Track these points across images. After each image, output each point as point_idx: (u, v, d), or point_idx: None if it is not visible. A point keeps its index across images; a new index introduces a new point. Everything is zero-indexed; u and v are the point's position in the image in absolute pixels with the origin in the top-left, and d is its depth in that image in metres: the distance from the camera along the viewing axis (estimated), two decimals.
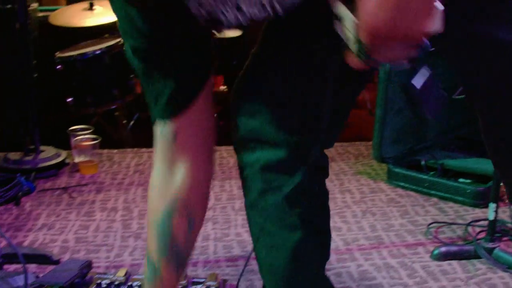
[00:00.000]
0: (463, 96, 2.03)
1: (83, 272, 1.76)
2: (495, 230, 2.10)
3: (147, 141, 3.48)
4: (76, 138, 3.01)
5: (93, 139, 3.04)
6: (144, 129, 3.76)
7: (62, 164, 3.02)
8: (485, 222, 2.17)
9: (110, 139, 3.39)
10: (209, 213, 2.52)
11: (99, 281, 1.76)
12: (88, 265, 1.82)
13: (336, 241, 2.26)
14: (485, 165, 2.79)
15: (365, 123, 3.72)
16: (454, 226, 2.39)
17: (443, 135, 3.17)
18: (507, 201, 2.39)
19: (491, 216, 2.08)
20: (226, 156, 3.14)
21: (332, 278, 1.99)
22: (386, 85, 2.75)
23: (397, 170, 2.79)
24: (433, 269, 2.06)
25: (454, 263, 2.09)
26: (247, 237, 2.30)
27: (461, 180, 2.80)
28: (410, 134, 2.96)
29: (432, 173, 2.82)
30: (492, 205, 2.06)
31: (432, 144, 3.09)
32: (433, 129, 3.10)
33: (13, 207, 2.56)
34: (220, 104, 3.51)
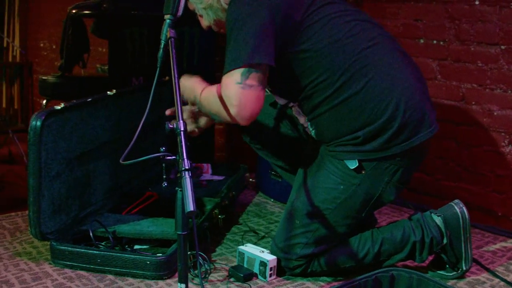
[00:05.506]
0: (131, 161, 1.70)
1: None
2: None
3: None
4: None
5: None
6: None
7: None
8: None
9: None
10: None
11: None
12: None
13: None
14: (161, 227, 2.49)
15: (23, 184, 3.18)
16: None
17: (110, 195, 2.81)
18: None
19: None
20: None
21: None
22: (39, 147, 2.27)
23: (62, 247, 2.32)
24: None
25: None
26: None
27: (137, 247, 2.46)
28: (73, 200, 2.52)
29: (103, 243, 2.42)
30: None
31: (99, 207, 2.70)
32: (98, 190, 2.71)
33: None
34: None
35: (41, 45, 6.33)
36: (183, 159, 1.64)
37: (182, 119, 1.72)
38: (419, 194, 3.20)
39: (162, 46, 1.91)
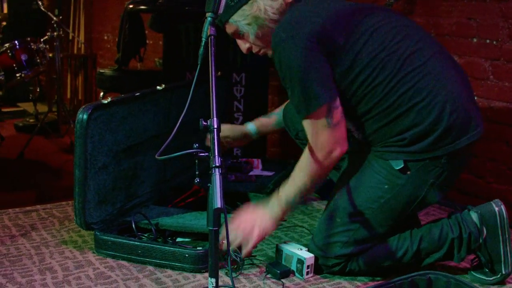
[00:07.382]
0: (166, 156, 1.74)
1: None
2: None
3: None
4: None
5: None
6: None
7: None
8: None
9: None
10: None
11: None
12: None
13: None
14: (203, 221, 2.53)
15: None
16: None
17: (157, 188, 2.87)
18: None
19: None
20: None
21: None
22: (85, 140, 2.35)
23: (105, 237, 2.39)
24: None
25: None
26: None
27: (179, 239, 2.51)
28: (119, 191, 2.59)
29: (147, 235, 2.48)
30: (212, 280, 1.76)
31: (146, 199, 2.76)
32: (145, 182, 2.77)
33: None
34: None
35: (105, 37, 6.49)
36: (214, 156, 1.67)
37: (216, 117, 1.75)
38: (469, 197, 3.13)
39: (202, 43, 1.93)
